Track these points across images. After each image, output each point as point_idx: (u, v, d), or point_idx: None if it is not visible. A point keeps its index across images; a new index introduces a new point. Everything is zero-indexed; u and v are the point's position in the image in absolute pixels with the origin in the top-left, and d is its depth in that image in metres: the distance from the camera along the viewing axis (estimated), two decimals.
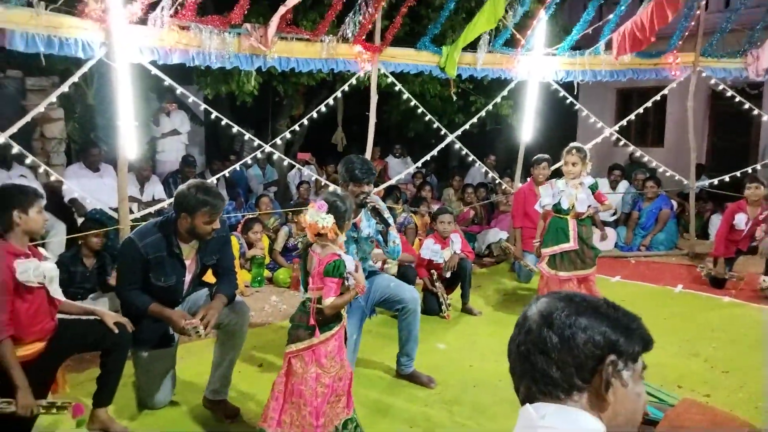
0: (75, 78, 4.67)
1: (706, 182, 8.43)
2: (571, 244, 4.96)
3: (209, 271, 3.73)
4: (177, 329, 3.35)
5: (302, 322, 3.03)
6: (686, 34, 7.49)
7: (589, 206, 5.00)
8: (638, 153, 8.35)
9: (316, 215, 3.00)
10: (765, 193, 6.27)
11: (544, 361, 1.21)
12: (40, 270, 3.02)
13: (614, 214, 8.71)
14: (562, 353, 1.20)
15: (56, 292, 3.13)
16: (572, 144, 5.20)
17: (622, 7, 7.08)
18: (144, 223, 3.60)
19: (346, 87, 6.66)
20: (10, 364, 2.88)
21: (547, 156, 6.88)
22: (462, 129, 7.51)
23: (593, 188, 5.03)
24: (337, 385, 3.02)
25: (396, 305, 4.09)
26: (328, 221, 3.00)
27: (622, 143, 8.19)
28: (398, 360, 4.15)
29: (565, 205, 4.95)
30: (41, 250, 3.24)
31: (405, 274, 5.55)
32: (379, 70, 6.43)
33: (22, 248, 3.05)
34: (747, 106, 7.93)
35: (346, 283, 3.06)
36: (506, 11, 6.71)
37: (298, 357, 2.98)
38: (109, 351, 3.29)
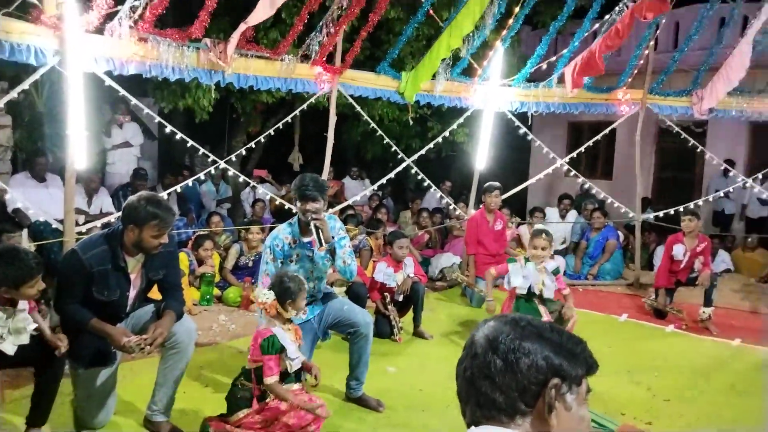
0: (25, 85, 4.54)
1: (651, 215, 8.71)
2: (545, 318, 4.89)
3: (154, 288, 3.64)
4: (117, 346, 3.24)
5: (235, 398, 3.22)
6: (635, 71, 7.79)
7: (559, 288, 4.93)
8: (587, 184, 8.57)
9: (259, 291, 3.19)
10: (699, 225, 6.51)
11: (488, 386, 1.22)
12: (7, 324, 2.97)
13: (563, 242, 8.91)
14: (506, 378, 1.21)
15: (6, 346, 2.98)
16: (539, 227, 5.24)
17: (576, 43, 7.32)
18: (88, 235, 3.50)
19: (304, 106, 6.67)
20: None
21: (497, 184, 7.01)
22: (419, 154, 7.59)
23: (555, 272, 5.00)
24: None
25: (348, 328, 4.06)
26: (268, 297, 3.15)
27: (572, 174, 8.41)
28: (348, 383, 4.11)
29: (536, 291, 4.87)
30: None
31: (356, 291, 5.53)
32: (338, 91, 6.46)
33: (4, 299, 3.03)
34: (692, 143, 8.26)
35: (286, 360, 3.14)
36: (463, 41, 6.86)
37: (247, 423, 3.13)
38: (44, 367, 3.15)
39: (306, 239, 3.99)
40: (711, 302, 6.17)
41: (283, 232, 4.02)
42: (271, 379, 3.10)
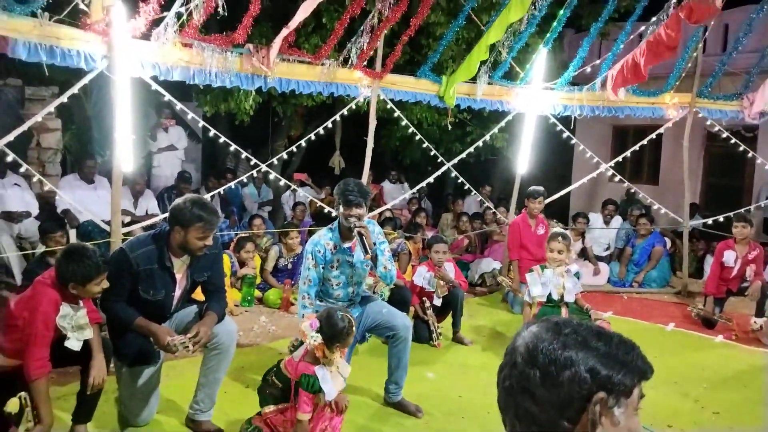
0: (75, 89, 4.67)
1: (699, 221, 8.46)
2: None
3: (198, 289, 3.69)
4: (161, 346, 3.29)
5: (264, 392, 3.27)
6: (683, 74, 7.59)
7: (576, 294, 4.88)
8: (633, 189, 8.38)
9: (307, 330, 3.10)
10: (751, 232, 6.30)
11: (527, 400, 1.14)
12: (73, 320, 3.08)
13: (607, 248, 8.73)
14: (546, 391, 1.12)
15: (72, 342, 3.10)
16: (556, 230, 5.16)
17: (620, 45, 7.17)
18: (136, 235, 3.57)
19: (345, 111, 6.69)
20: (42, 401, 2.94)
21: (542, 189, 6.91)
22: (458, 158, 7.54)
23: (577, 276, 4.94)
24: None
25: (387, 332, 4.05)
26: (316, 339, 3.08)
27: (617, 179, 8.22)
28: (386, 387, 4.09)
29: (555, 296, 4.82)
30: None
31: (401, 295, 5.50)
32: (378, 96, 6.47)
33: (71, 296, 3.14)
34: (742, 148, 8.01)
35: (322, 398, 3.13)
36: (504, 43, 6.79)
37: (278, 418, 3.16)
38: (88, 364, 3.22)
39: (346, 245, 3.99)
40: (764, 312, 5.95)
41: (324, 237, 4.01)
42: (303, 416, 3.11)
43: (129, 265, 3.27)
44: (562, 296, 4.82)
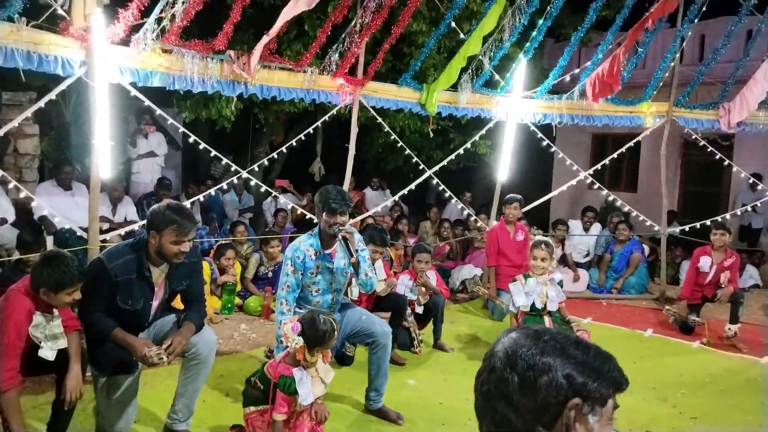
0: (52, 95, 4.62)
1: (677, 228, 8.57)
2: None
3: (177, 297, 3.65)
4: (138, 357, 3.24)
5: (250, 394, 3.25)
6: (661, 84, 7.71)
7: (560, 302, 4.90)
8: (612, 197, 8.48)
9: (289, 332, 3.10)
10: (729, 240, 6.40)
11: (504, 405, 1.15)
12: (46, 330, 3.04)
13: (587, 255, 8.81)
14: (523, 396, 1.14)
15: (45, 352, 3.06)
16: (538, 238, 5.15)
17: (599, 55, 7.27)
18: (114, 244, 3.52)
19: (326, 118, 6.69)
20: (13, 415, 2.89)
21: (518, 196, 6.96)
22: (440, 165, 7.57)
23: (560, 285, 4.96)
24: None
25: (367, 339, 4.04)
26: (297, 342, 3.08)
27: (596, 186, 8.31)
28: (367, 395, 4.08)
29: (539, 305, 4.82)
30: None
31: (397, 303, 5.42)
32: (360, 103, 6.48)
33: (45, 305, 3.10)
34: (718, 156, 8.13)
35: (297, 401, 3.13)
36: (485, 51, 6.85)
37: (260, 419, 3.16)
38: (65, 374, 3.18)
39: (327, 251, 3.99)
40: (737, 319, 6.03)
41: (304, 243, 4.00)
42: (278, 417, 3.11)
43: (107, 275, 3.21)
44: (545, 305, 4.83)
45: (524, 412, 1.13)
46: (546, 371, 1.14)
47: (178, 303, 3.68)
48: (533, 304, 4.83)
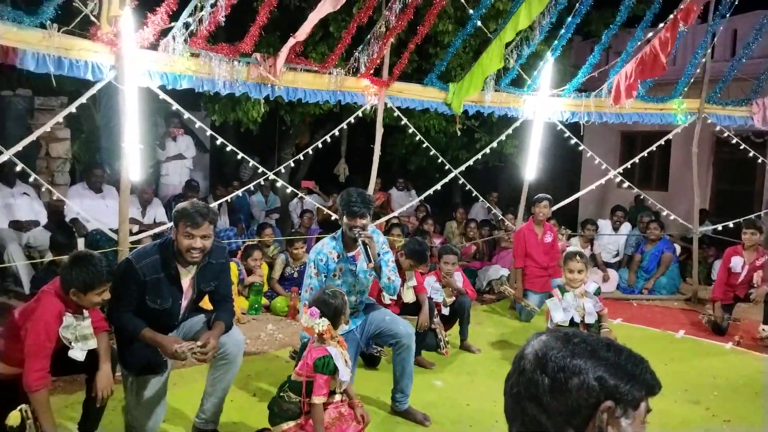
0: (83, 99, 4.70)
1: (709, 227, 8.40)
2: None
3: (205, 298, 3.68)
4: (169, 354, 3.28)
5: (279, 409, 3.23)
6: (692, 80, 7.56)
7: (598, 311, 4.75)
8: (642, 195, 8.34)
9: (311, 321, 3.16)
10: (760, 239, 6.25)
11: (534, 407, 1.14)
12: (76, 331, 3.09)
13: (616, 255, 8.68)
14: (553, 398, 1.13)
15: (76, 352, 3.12)
16: (572, 249, 5.00)
17: (629, 51, 7.15)
18: (143, 245, 3.57)
19: (352, 119, 6.70)
20: (44, 412, 2.94)
21: (548, 195, 6.89)
22: (466, 165, 7.53)
23: (597, 292, 4.83)
24: None
25: (390, 339, 4.03)
26: (323, 325, 3.15)
27: (626, 185, 8.19)
28: (393, 396, 4.07)
29: (577, 319, 4.68)
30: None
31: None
32: (385, 104, 6.48)
33: (75, 306, 3.16)
34: (752, 154, 7.96)
35: (336, 379, 3.16)
36: (512, 50, 6.80)
37: None
38: (94, 375, 3.23)
39: (350, 254, 3.99)
40: None
41: (327, 246, 4.00)
42: (318, 399, 3.11)
43: (135, 275, 3.26)
44: (583, 318, 4.67)
45: (555, 415, 1.12)
46: (577, 373, 1.13)
47: (205, 304, 3.72)
48: (572, 318, 4.68)
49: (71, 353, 3.08)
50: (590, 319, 4.68)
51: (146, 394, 3.47)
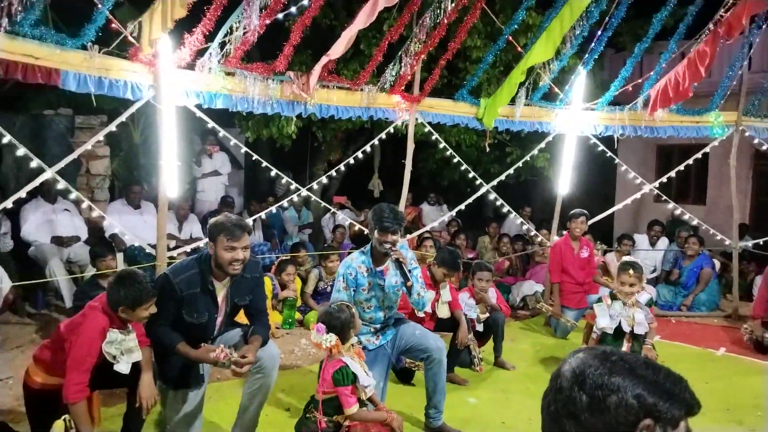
0: (122, 118, 4.82)
1: (749, 242, 8.20)
2: None
3: (241, 312, 3.73)
4: (209, 362, 3.33)
5: (308, 430, 3.23)
6: (728, 92, 7.43)
7: (650, 324, 4.62)
8: (679, 210, 8.20)
9: (319, 338, 3.18)
10: None
11: (572, 425, 1.13)
12: (122, 345, 3.16)
13: (654, 271, 8.52)
14: (592, 416, 1.12)
15: (121, 366, 3.18)
16: (627, 259, 4.82)
17: (663, 64, 7.07)
18: (179, 260, 3.64)
19: (383, 135, 6.74)
20: (81, 423, 3.01)
21: (584, 211, 6.81)
22: (498, 180, 7.50)
23: (649, 304, 4.72)
24: None
25: (421, 354, 4.02)
26: (331, 340, 3.17)
27: (662, 199, 8.04)
28: (426, 413, 4.05)
29: (626, 328, 4.56)
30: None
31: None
32: (416, 119, 6.50)
33: (120, 321, 3.23)
34: None
35: (359, 387, 3.16)
36: (544, 65, 6.77)
37: None
38: (135, 388, 3.29)
39: (378, 268, 3.99)
40: None
41: (356, 260, 4.02)
42: (352, 409, 3.11)
43: (172, 289, 3.32)
44: (632, 328, 4.55)
45: None
46: (615, 391, 1.12)
47: (241, 318, 3.76)
48: (619, 326, 4.57)
49: (117, 367, 3.15)
50: (640, 330, 4.54)
51: (184, 408, 3.52)
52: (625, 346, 4.56)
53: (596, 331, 4.74)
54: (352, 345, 3.33)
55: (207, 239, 3.46)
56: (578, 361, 1.19)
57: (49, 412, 3.12)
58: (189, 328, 3.39)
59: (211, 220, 3.44)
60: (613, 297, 4.71)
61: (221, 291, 3.50)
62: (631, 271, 4.57)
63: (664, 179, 8.03)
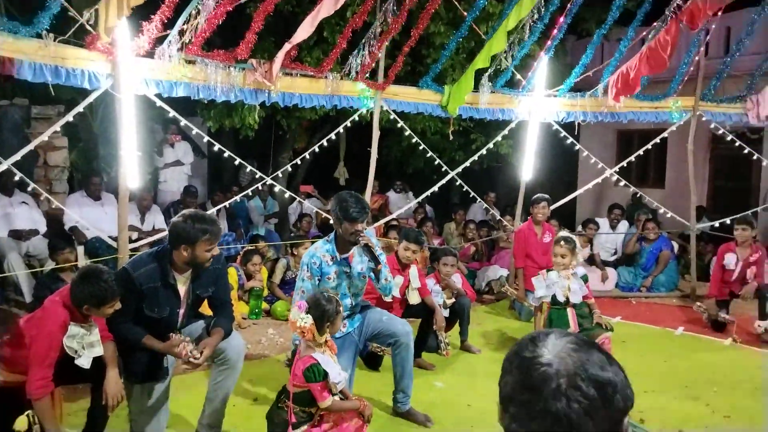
0: (80, 108, 4.72)
1: (706, 224, 8.43)
2: (573, 328, 4.69)
3: (205, 303, 3.70)
4: (174, 354, 3.31)
5: (279, 419, 3.17)
6: (686, 78, 7.59)
7: (584, 296, 4.85)
8: (639, 194, 8.37)
9: (297, 314, 3.11)
10: (752, 234, 6.28)
11: (587, 422, 1.11)
12: (83, 339, 3.11)
13: (614, 253, 8.71)
14: (606, 411, 1.13)
15: (82, 360, 3.13)
16: (560, 234, 5.10)
17: (623, 50, 7.18)
18: (138, 253, 3.59)
19: (348, 122, 6.73)
20: (47, 419, 2.97)
21: (545, 196, 6.92)
22: (462, 166, 7.55)
23: (584, 279, 4.93)
24: None
25: (389, 339, 4.05)
26: (306, 321, 3.09)
27: (622, 183, 8.22)
28: (394, 397, 4.09)
29: (560, 298, 4.79)
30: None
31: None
32: (381, 107, 6.50)
33: (82, 316, 3.16)
34: (747, 150, 7.99)
35: (329, 382, 3.10)
36: (506, 51, 6.82)
37: None
38: (100, 383, 3.23)
39: (343, 256, 3.97)
40: (766, 315, 5.92)
41: (320, 249, 3.97)
42: (326, 402, 3.08)
43: (132, 284, 3.27)
44: (567, 298, 4.79)
45: (605, 425, 1.12)
46: (614, 384, 1.14)
47: (205, 309, 3.73)
48: (555, 297, 4.80)
49: (78, 361, 3.10)
50: (575, 299, 4.78)
51: (149, 402, 3.49)
52: (570, 314, 4.76)
53: (534, 303, 5.02)
54: (326, 340, 3.26)
55: (170, 239, 3.34)
56: (573, 360, 1.16)
57: (11, 410, 3.06)
58: (151, 323, 3.34)
59: (181, 224, 3.29)
60: (549, 270, 4.96)
61: (183, 284, 3.46)
62: (562, 243, 4.83)
63: (624, 164, 8.20)
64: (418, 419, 4.00)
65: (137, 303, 3.30)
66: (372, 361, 4.95)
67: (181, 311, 3.50)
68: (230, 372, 3.54)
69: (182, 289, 3.46)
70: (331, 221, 4.01)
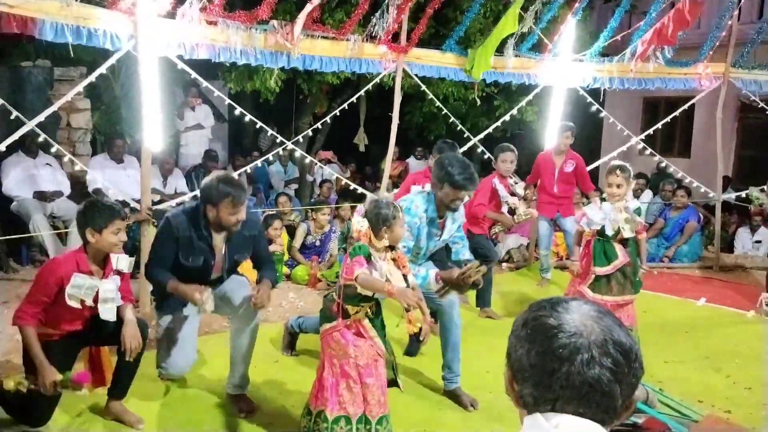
0: (102, 69, 4.70)
1: (732, 194, 8.27)
2: (622, 259, 4.38)
3: (243, 264, 3.84)
4: (191, 300, 3.42)
5: (328, 309, 3.14)
6: (717, 44, 7.37)
7: (636, 230, 4.44)
8: (664, 163, 8.22)
9: (355, 218, 3.14)
10: None
11: (615, 388, 1.13)
12: (94, 290, 3.14)
13: None
14: (631, 378, 1.17)
15: (106, 312, 3.18)
16: (615, 163, 4.56)
17: (653, 14, 6.98)
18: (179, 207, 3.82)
19: (369, 86, 6.64)
20: (31, 345, 3.06)
21: (570, 123, 6.71)
22: (485, 133, 7.45)
23: (638, 212, 4.53)
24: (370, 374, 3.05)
25: (431, 304, 3.79)
26: (362, 225, 3.06)
27: (648, 152, 8.07)
28: (442, 374, 3.94)
29: (609, 231, 4.39)
30: (122, 263, 3.27)
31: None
32: (403, 71, 6.40)
33: (91, 265, 3.18)
34: None
35: (373, 272, 2.98)
36: (532, 16, 6.66)
37: (332, 337, 3.05)
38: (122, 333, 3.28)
39: (439, 219, 3.77)
40: None
41: (420, 207, 3.66)
42: (359, 270, 2.90)
43: (170, 229, 3.46)
44: (617, 231, 4.39)
45: (628, 392, 1.15)
46: (635, 352, 1.16)
47: (245, 270, 3.89)
48: (604, 229, 4.40)
49: (102, 315, 3.17)
50: (628, 234, 4.38)
51: (177, 330, 3.66)
52: (618, 250, 4.41)
53: (586, 229, 4.52)
54: (389, 248, 3.08)
55: (200, 198, 3.49)
56: (602, 327, 1.16)
57: (66, 356, 3.23)
58: (184, 271, 3.48)
59: (209, 184, 3.41)
60: (603, 200, 4.53)
61: (219, 242, 3.58)
62: (618, 171, 4.38)
63: (650, 132, 8.03)
64: (462, 401, 3.83)
65: (174, 250, 3.47)
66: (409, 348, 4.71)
67: (215, 266, 3.61)
68: (244, 330, 3.59)
69: (218, 247, 3.58)
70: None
